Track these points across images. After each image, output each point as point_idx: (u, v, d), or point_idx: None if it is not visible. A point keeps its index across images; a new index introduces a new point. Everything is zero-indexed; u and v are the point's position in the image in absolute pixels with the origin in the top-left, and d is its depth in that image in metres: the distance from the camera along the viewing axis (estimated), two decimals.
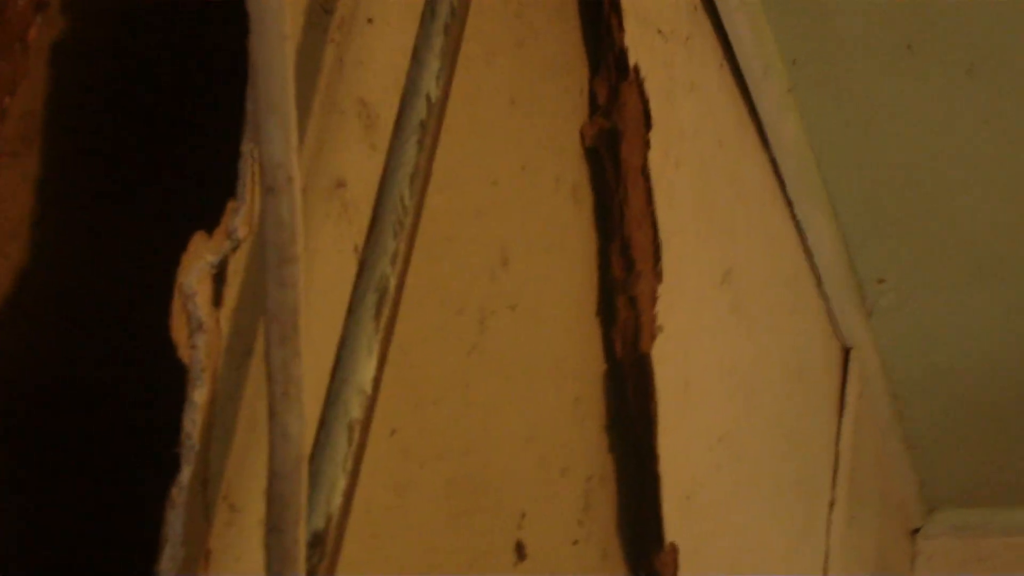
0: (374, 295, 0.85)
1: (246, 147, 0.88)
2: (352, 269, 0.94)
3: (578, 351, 1.29)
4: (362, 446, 0.82)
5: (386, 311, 0.85)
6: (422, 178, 0.89)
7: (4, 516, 0.76)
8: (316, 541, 0.79)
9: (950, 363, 2.21)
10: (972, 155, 1.87)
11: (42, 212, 0.78)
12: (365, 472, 0.97)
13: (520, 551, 1.16)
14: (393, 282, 0.86)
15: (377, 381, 0.84)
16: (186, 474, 0.82)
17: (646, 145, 1.35)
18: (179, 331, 0.83)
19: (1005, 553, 2.48)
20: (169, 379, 0.83)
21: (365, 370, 0.83)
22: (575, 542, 1.25)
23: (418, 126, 0.90)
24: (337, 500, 0.80)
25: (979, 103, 1.80)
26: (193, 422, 0.83)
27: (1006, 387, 2.23)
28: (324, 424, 0.82)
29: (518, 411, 1.18)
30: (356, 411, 0.82)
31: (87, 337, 0.82)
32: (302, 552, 0.71)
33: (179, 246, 0.83)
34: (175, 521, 0.81)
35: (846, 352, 2.09)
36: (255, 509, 0.87)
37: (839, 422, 2.03)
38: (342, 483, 0.81)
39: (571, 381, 1.27)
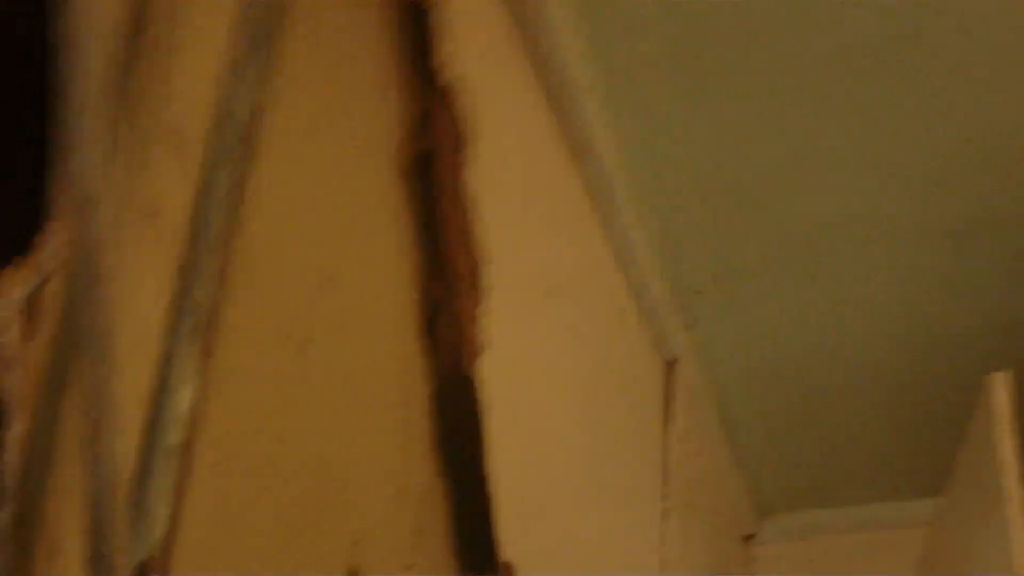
0: (190, 319, 0.83)
1: (57, 173, 0.86)
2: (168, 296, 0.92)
3: (404, 373, 1.28)
4: (185, 473, 0.81)
5: (203, 334, 0.83)
6: (235, 198, 0.88)
7: None
8: (142, 573, 0.77)
9: (772, 366, 2.24)
10: (790, 157, 1.90)
11: None
12: (191, 505, 0.95)
13: None
14: (209, 305, 0.84)
15: (198, 405, 0.82)
16: (4, 516, 0.79)
17: (461, 164, 1.35)
18: None
19: (835, 552, 2.52)
20: None
21: (183, 395, 0.82)
22: (409, 567, 1.24)
23: (229, 147, 0.88)
24: (161, 529, 0.78)
25: (783, 113, 1.83)
26: (9, 463, 0.80)
27: (826, 385, 2.28)
28: (144, 452, 0.80)
29: (346, 436, 1.16)
30: (175, 436, 0.81)
31: None
32: None
33: None
34: None
35: (670, 364, 2.11)
36: (77, 549, 0.84)
37: (665, 435, 2.05)
38: (165, 511, 0.79)
39: (398, 404, 1.26)
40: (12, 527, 0.79)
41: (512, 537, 1.39)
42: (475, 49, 1.48)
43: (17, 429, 0.81)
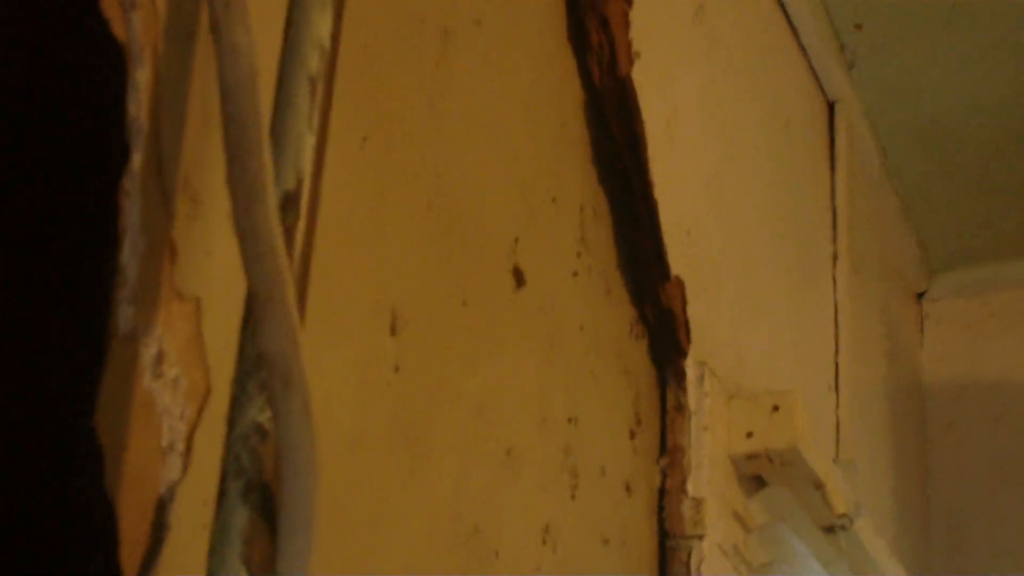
0: None
1: None
2: None
3: (553, 77, 1.20)
4: (326, 104, 0.74)
5: None
6: None
7: None
8: (289, 202, 0.71)
9: (934, 111, 2.12)
10: None
11: None
12: (338, 183, 0.89)
13: (518, 277, 1.07)
14: None
15: (335, 36, 0.75)
16: (136, 160, 0.74)
17: None
18: (111, 5, 0.74)
19: (1015, 305, 2.40)
20: (109, 65, 0.75)
21: (321, 23, 0.75)
22: (575, 273, 1.17)
23: None
24: (307, 157, 0.71)
25: None
26: (138, 104, 0.75)
27: (991, 132, 2.15)
28: (283, 81, 0.73)
29: (493, 133, 1.09)
30: (315, 65, 0.73)
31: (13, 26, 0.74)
32: (269, 178, 0.62)
33: None
34: (131, 210, 0.73)
35: (830, 106, 2.00)
36: (221, 202, 0.78)
37: (832, 177, 1.94)
38: (310, 140, 0.72)
39: (549, 107, 1.18)
40: (145, 174, 0.74)
41: (678, 254, 1.31)
42: None
43: (145, 71, 0.76)
